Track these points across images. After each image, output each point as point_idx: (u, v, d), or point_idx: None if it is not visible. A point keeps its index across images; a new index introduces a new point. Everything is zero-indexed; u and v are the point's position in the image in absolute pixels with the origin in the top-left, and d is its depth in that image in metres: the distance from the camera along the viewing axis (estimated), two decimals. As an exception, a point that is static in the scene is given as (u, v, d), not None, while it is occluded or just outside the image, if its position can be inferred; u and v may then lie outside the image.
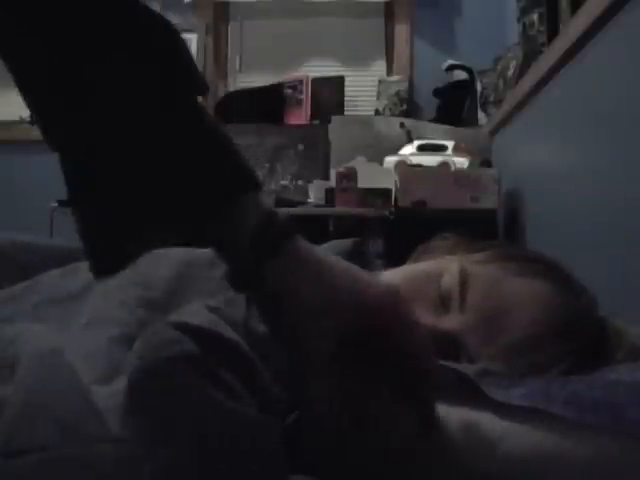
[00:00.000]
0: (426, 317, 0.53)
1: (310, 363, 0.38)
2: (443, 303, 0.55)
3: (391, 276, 0.61)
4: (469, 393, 0.44)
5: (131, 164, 0.38)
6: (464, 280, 0.55)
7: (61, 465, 0.32)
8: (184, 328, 0.45)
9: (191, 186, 0.38)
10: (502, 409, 0.43)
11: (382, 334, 0.39)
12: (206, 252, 0.71)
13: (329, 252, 0.47)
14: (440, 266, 0.58)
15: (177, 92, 0.38)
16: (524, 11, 1.69)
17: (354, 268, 0.41)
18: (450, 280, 0.55)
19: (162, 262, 0.67)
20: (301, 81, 2.69)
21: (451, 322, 0.53)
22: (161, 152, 0.38)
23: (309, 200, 2.13)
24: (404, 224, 1.76)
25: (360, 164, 2.05)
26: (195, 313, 0.48)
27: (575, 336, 0.54)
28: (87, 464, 0.33)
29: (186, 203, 0.39)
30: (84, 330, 0.55)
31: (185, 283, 0.64)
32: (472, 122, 2.40)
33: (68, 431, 0.34)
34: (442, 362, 0.48)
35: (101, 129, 0.38)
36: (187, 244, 0.45)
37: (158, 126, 0.38)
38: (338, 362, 0.38)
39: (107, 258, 0.41)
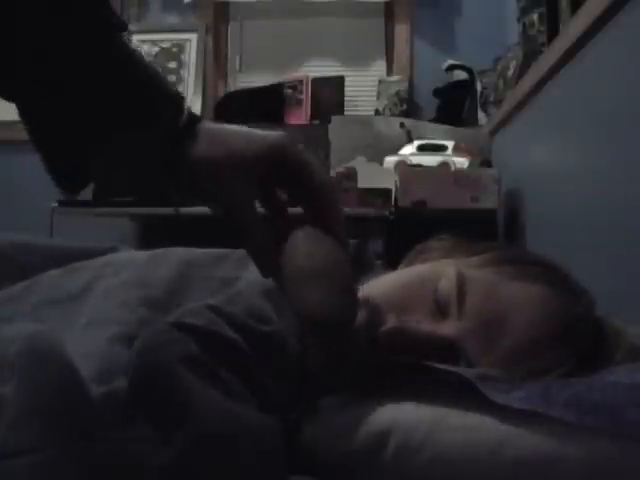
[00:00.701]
0: (424, 323, 0.53)
1: (241, 207, 0.47)
2: (440, 308, 0.54)
3: (388, 280, 0.61)
4: (469, 397, 0.44)
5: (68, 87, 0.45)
6: (461, 285, 0.54)
7: (59, 465, 0.32)
8: (183, 327, 0.45)
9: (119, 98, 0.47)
10: (502, 413, 0.43)
11: (292, 167, 0.48)
12: (206, 252, 0.71)
13: None
14: (437, 270, 0.57)
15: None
16: (524, 11, 1.69)
17: (248, 129, 0.49)
18: (447, 285, 0.55)
19: (162, 262, 0.67)
20: (301, 81, 2.69)
21: (449, 328, 0.53)
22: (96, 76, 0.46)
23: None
24: (404, 224, 1.76)
25: (360, 164, 2.05)
26: (195, 312, 0.48)
27: (574, 339, 0.54)
28: (85, 464, 0.33)
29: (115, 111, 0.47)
30: (84, 330, 0.55)
31: (185, 283, 0.64)
32: (472, 122, 2.40)
33: (66, 431, 0.34)
34: (442, 365, 0.48)
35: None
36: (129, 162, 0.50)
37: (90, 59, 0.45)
38: (262, 201, 0.49)
39: (67, 171, 0.48)
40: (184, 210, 2.19)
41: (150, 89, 0.48)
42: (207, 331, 0.45)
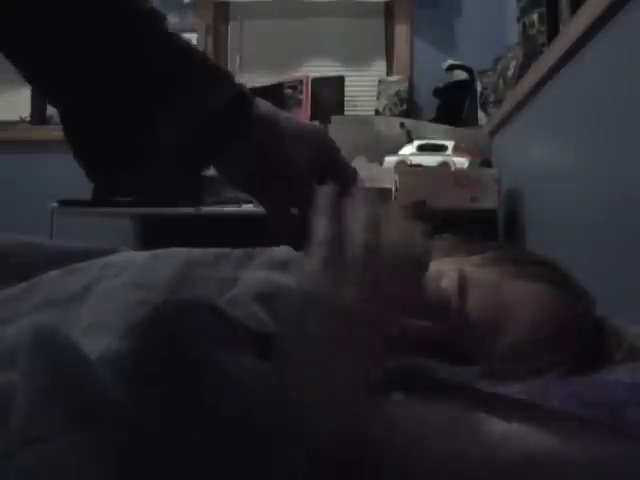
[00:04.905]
0: (425, 320, 0.53)
1: (297, 175, 0.50)
2: (442, 307, 0.54)
3: None
4: (469, 396, 0.44)
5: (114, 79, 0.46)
6: (463, 284, 0.55)
7: (82, 449, 0.32)
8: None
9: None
10: (502, 412, 0.43)
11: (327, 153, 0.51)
12: (206, 252, 0.71)
13: None
14: (438, 269, 0.57)
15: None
16: (524, 11, 1.69)
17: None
18: (449, 284, 0.55)
19: (163, 263, 0.67)
20: (301, 81, 2.69)
21: (450, 326, 0.53)
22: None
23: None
24: (404, 224, 1.76)
25: (360, 164, 2.05)
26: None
27: (574, 339, 0.54)
28: (106, 447, 0.32)
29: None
30: (84, 337, 0.55)
31: (186, 284, 0.64)
32: (472, 122, 2.40)
33: (85, 414, 0.34)
34: (442, 366, 0.48)
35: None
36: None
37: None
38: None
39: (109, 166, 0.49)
40: (182, 210, 2.19)
41: (207, 67, 0.50)
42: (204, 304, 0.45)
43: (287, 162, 0.49)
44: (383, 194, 0.47)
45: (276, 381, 0.37)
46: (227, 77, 0.50)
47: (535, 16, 1.59)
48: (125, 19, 0.46)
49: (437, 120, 2.41)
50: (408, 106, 2.65)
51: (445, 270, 0.56)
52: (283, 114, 0.51)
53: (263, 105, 0.51)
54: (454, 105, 2.47)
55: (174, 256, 0.69)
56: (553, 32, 1.45)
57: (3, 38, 0.44)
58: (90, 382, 0.36)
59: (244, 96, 0.50)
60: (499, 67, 2.12)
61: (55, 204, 2.22)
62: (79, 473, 0.30)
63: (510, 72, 1.97)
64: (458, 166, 1.96)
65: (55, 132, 2.73)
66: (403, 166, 2.00)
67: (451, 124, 2.31)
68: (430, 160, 2.01)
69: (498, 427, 0.43)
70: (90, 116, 0.47)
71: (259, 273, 0.63)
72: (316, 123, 0.58)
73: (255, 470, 0.32)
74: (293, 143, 0.50)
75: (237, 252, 0.68)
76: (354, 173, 0.53)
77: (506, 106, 1.90)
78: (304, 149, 0.50)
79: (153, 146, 0.48)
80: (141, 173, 0.50)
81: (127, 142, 0.48)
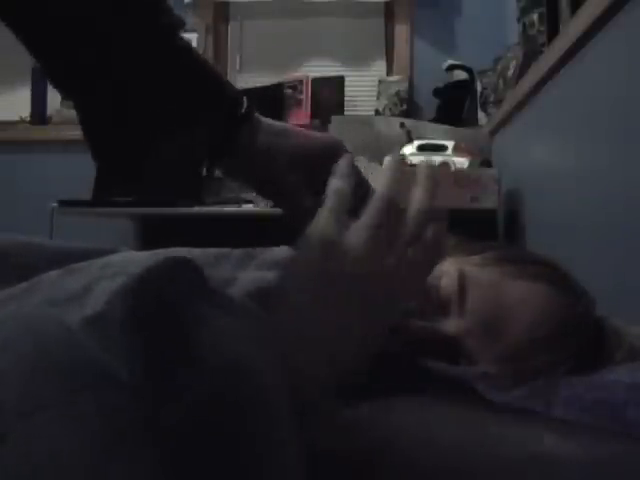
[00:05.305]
0: (425, 321, 0.53)
1: (292, 193, 0.53)
2: (442, 307, 0.54)
3: None
4: (468, 396, 0.44)
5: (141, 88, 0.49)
6: (463, 283, 0.55)
7: (79, 417, 0.31)
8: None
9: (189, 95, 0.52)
10: (502, 412, 0.43)
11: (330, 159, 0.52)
12: (206, 252, 0.71)
13: None
14: (438, 269, 0.58)
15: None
16: (524, 11, 1.69)
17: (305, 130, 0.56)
18: (449, 283, 0.55)
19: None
20: (301, 81, 2.69)
21: (450, 326, 0.53)
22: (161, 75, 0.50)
23: (309, 200, 2.12)
24: (404, 224, 1.75)
25: (360, 164, 2.05)
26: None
27: (574, 339, 0.54)
28: (106, 412, 0.32)
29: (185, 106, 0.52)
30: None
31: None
32: (472, 122, 2.40)
33: (79, 381, 0.33)
34: (442, 366, 0.48)
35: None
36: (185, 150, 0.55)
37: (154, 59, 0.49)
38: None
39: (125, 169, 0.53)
40: (182, 210, 2.19)
41: (214, 81, 0.53)
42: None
43: (277, 182, 0.53)
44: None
45: (270, 330, 0.37)
46: (231, 92, 0.54)
47: (535, 16, 1.59)
48: (148, 37, 0.49)
49: (437, 120, 2.41)
50: (408, 106, 2.65)
51: (445, 270, 0.56)
52: (292, 133, 0.54)
53: (268, 127, 0.54)
54: (454, 105, 2.47)
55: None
56: (553, 32, 1.45)
57: (50, 57, 0.48)
58: (77, 347, 0.36)
59: (243, 119, 0.54)
60: (499, 67, 2.12)
61: (55, 204, 2.22)
62: (80, 440, 0.30)
63: (510, 72, 1.97)
64: (458, 166, 1.96)
65: (55, 132, 2.75)
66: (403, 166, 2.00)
67: (451, 124, 2.31)
68: (430, 160, 2.01)
69: (498, 427, 0.43)
70: (107, 120, 0.50)
71: (256, 273, 0.63)
72: (334, 141, 0.65)
73: (249, 420, 0.32)
74: (284, 163, 0.53)
75: (237, 252, 0.68)
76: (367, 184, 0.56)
77: (506, 106, 1.90)
78: (294, 168, 0.53)
79: (156, 152, 0.50)
80: (141, 173, 0.52)
81: (133, 147, 0.51)
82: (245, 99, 0.55)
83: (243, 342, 0.36)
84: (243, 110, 0.54)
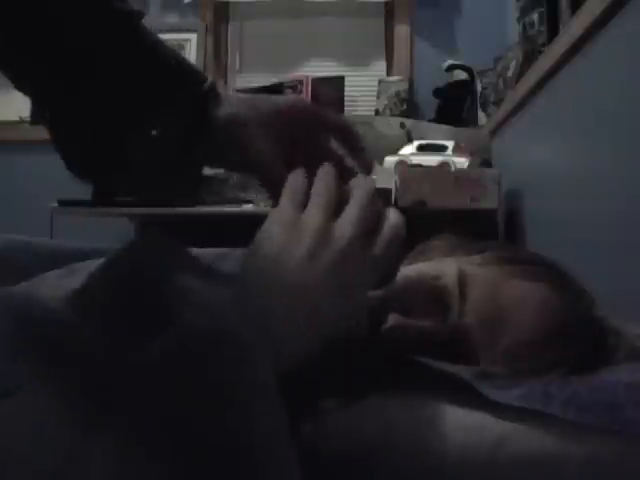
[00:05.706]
0: (424, 320, 0.53)
1: (270, 162, 0.52)
2: (441, 306, 0.54)
3: None
4: (467, 396, 0.44)
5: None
6: (463, 283, 0.54)
7: (54, 396, 0.31)
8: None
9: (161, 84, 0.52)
10: (502, 411, 0.43)
11: (306, 115, 0.55)
12: (205, 252, 0.71)
13: None
14: (438, 268, 0.57)
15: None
16: (524, 11, 1.69)
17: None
18: (449, 283, 0.55)
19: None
20: (301, 81, 2.69)
21: (450, 326, 0.53)
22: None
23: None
24: (404, 224, 1.75)
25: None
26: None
27: (575, 339, 0.54)
28: (78, 389, 0.31)
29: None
30: None
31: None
32: (472, 122, 2.40)
33: (53, 360, 0.33)
34: (441, 365, 0.48)
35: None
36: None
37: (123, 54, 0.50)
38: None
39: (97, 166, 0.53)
40: (182, 210, 2.19)
41: (178, 66, 0.53)
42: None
43: (249, 151, 0.53)
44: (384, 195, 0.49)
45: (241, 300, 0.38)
46: (196, 75, 0.54)
47: (535, 16, 1.59)
48: (100, 22, 0.49)
49: (437, 120, 2.41)
50: (408, 106, 2.65)
51: (445, 270, 0.56)
52: (253, 101, 0.55)
53: (230, 98, 0.55)
54: (454, 105, 2.47)
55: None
56: (553, 32, 1.45)
57: None
58: (54, 324, 0.36)
59: (209, 95, 0.54)
60: (499, 67, 2.12)
61: (55, 204, 2.22)
62: (56, 419, 0.30)
63: (510, 72, 1.97)
64: (458, 166, 1.96)
65: (55, 132, 2.74)
66: (403, 166, 2.00)
67: (451, 124, 2.31)
68: (430, 160, 2.01)
69: (498, 427, 0.43)
70: (71, 119, 0.51)
71: None
72: (294, 97, 0.69)
73: (228, 385, 0.32)
74: (255, 130, 0.53)
75: (237, 252, 0.68)
76: (347, 125, 0.59)
77: (506, 106, 1.90)
78: (265, 134, 0.53)
79: (129, 143, 0.50)
80: (123, 169, 0.52)
81: (103, 145, 0.51)
82: (207, 75, 0.56)
83: (225, 309, 0.36)
84: (206, 86, 0.54)
